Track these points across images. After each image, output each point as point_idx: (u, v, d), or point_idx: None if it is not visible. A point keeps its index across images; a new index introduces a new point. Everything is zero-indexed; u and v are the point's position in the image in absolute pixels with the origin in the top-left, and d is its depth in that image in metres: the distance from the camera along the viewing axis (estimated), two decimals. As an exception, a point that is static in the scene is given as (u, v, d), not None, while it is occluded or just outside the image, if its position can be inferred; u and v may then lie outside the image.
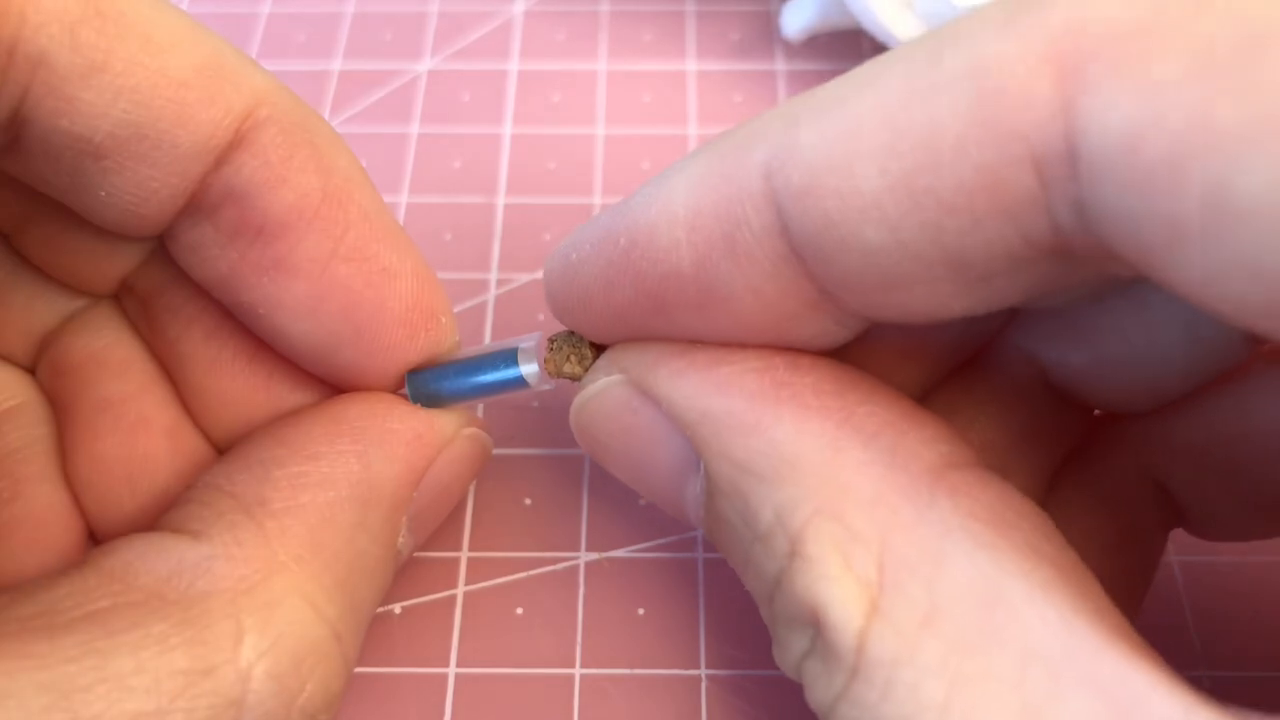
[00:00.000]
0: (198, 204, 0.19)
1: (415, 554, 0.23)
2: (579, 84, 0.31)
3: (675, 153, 0.30)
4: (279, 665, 0.17)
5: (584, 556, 0.23)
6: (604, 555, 0.23)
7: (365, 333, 0.20)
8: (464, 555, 0.23)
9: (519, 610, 0.23)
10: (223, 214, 0.19)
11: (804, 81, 0.31)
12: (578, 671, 0.22)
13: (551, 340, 0.20)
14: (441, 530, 0.23)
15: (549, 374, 0.20)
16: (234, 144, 0.18)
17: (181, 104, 0.17)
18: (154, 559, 0.17)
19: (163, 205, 0.18)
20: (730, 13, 0.33)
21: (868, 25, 0.29)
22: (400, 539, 0.20)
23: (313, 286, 0.19)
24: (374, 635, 0.22)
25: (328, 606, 0.18)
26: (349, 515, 0.19)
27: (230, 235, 0.19)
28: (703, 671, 0.22)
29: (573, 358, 0.20)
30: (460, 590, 0.23)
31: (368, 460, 0.19)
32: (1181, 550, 0.23)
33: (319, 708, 0.17)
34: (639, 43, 0.32)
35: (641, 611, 0.23)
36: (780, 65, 0.32)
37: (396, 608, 0.23)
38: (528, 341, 0.21)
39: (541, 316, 0.27)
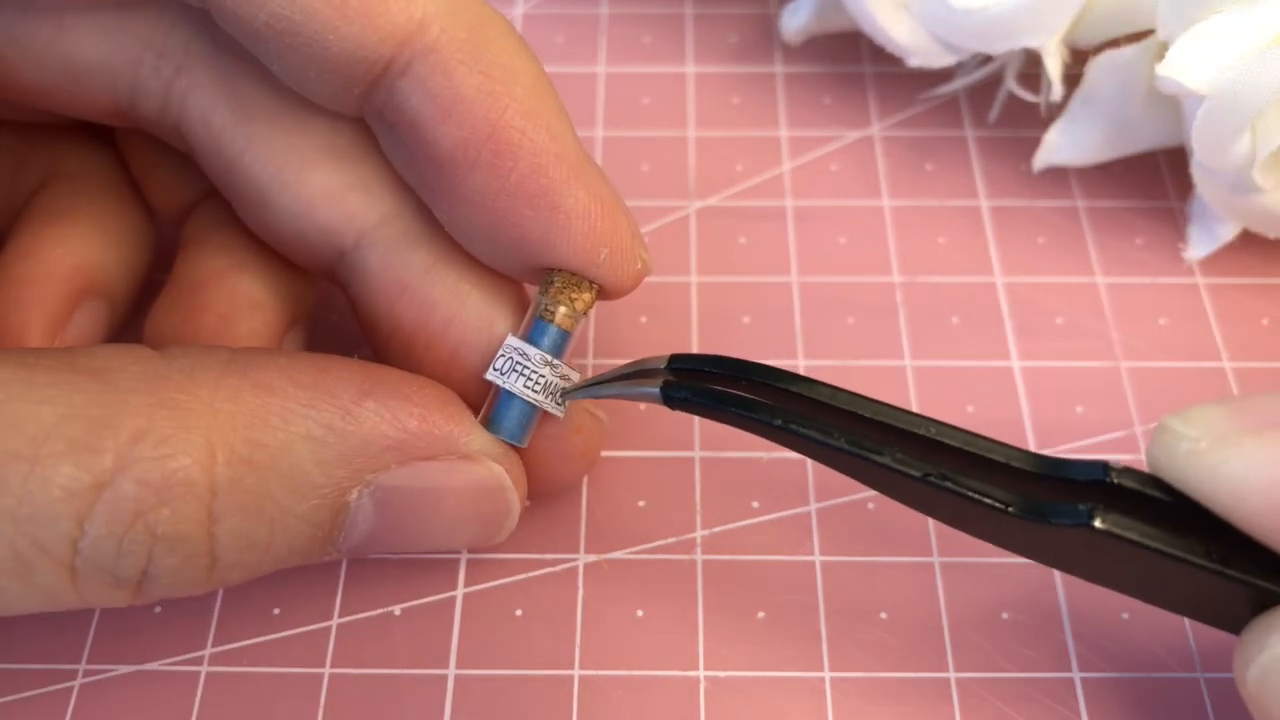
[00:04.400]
0: (378, 114, 0.20)
1: (414, 555, 0.23)
2: (578, 86, 0.31)
3: (675, 155, 0.30)
4: (149, 475, 0.17)
5: (583, 558, 0.23)
6: (603, 557, 0.23)
7: (535, 263, 0.21)
8: (463, 556, 0.23)
9: (518, 612, 0.23)
10: (399, 133, 0.20)
11: (803, 83, 0.31)
12: (576, 673, 0.22)
13: (553, 276, 0.21)
14: (441, 532, 0.24)
15: (555, 315, 0.21)
16: (398, 68, 0.19)
17: (336, 10, 0.18)
18: (118, 351, 0.18)
19: (332, 99, 0.20)
20: (729, 15, 0.33)
21: (866, 27, 0.29)
22: (353, 495, 0.19)
23: (482, 217, 0.20)
24: (374, 635, 0.22)
25: (225, 468, 0.18)
26: (307, 421, 0.18)
27: (408, 155, 0.20)
28: (701, 673, 0.22)
29: (576, 298, 0.21)
30: (460, 592, 0.23)
31: (363, 394, 0.19)
32: (1179, 552, 0.23)
33: (165, 536, 0.17)
34: (638, 45, 0.32)
35: (640, 613, 0.23)
36: (779, 68, 0.32)
37: (396, 609, 0.23)
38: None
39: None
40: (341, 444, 0.19)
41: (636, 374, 0.20)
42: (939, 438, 0.19)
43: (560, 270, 0.21)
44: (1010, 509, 0.18)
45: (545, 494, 0.23)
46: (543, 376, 0.21)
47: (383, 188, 0.21)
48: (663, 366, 0.20)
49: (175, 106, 0.21)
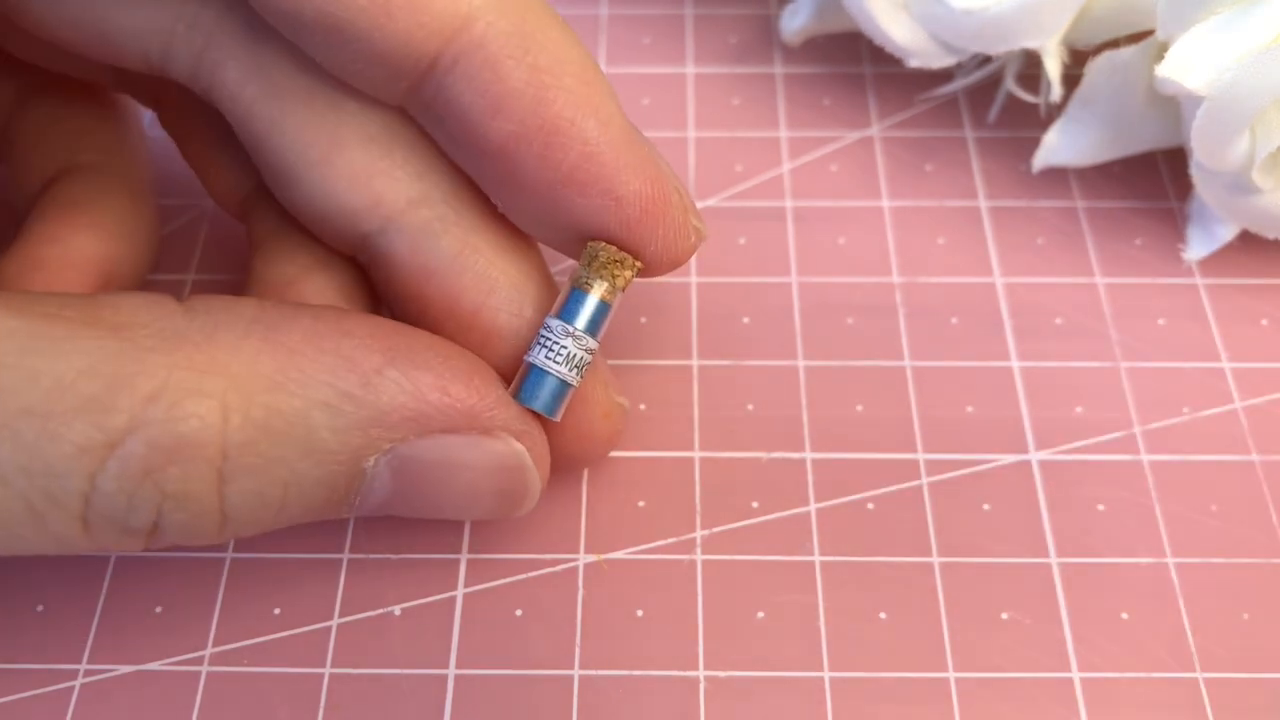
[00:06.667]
0: (426, 106, 0.20)
1: (414, 555, 0.23)
2: (578, 87, 0.31)
3: (674, 156, 0.30)
4: (161, 437, 0.17)
5: (583, 558, 0.23)
6: (603, 557, 0.23)
7: (589, 240, 0.21)
8: (464, 557, 0.23)
9: (518, 612, 0.23)
10: (448, 126, 0.20)
11: (803, 84, 0.31)
12: (576, 673, 0.22)
13: (596, 250, 0.20)
14: (441, 531, 0.24)
15: (597, 289, 0.20)
16: (445, 64, 0.19)
17: (381, 6, 0.18)
18: (142, 304, 0.18)
19: (377, 91, 0.20)
20: (729, 16, 0.33)
21: (865, 28, 0.29)
22: (370, 462, 0.19)
23: (539, 204, 0.20)
24: (374, 635, 0.22)
25: (238, 431, 0.18)
26: (325, 388, 0.18)
27: (458, 146, 0.20)
28: (701, 673, 0.22)
29: (619, 274, 0.20)
30: (460, 592, 0.23)
31: (385, 362, 0.19)
32: (1179, 551, 0.23)
33: (174, 494, 0.17)
34: (638, 46, 0.32)
35: (640, 613, 0.23)
36: (779, 68, 0.32)
37: (396, 609, 0.23)
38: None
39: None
40: (359, 412, 0.19)
41: None
42: None
43: (604, 244, 0.21)
44: None
45: (560, 474, 0.23)
46: (565, 348, 0.20)
47: (409, 173, 0.21)
48: None
49: (206, 76, 0.21)
